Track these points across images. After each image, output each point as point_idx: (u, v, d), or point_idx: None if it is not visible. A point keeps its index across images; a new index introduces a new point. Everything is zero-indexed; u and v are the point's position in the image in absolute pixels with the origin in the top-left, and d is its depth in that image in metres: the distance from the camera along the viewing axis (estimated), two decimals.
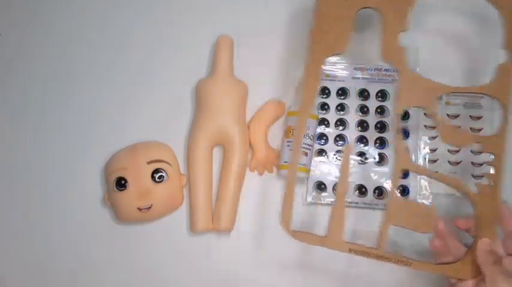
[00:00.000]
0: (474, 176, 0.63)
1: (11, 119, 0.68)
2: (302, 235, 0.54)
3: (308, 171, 0.63)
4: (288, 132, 0.63)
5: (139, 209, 0.59)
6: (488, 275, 0.50)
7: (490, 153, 0.54)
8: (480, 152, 0.64)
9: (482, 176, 0.63)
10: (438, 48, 0.68)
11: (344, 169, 0.55)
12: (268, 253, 0.64)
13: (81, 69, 0.69)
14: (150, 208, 0.60)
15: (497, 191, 0.53)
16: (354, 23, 0.55)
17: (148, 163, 0.60)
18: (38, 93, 0.69)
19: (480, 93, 0.56)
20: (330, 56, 0.55)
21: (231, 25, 0.69)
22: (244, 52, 0.67)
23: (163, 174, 0.60)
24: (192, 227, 0.62)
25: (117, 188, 0.60)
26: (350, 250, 0.53)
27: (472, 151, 0.64)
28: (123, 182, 0.59)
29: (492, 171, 0.54)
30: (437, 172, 0.63)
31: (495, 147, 0.54)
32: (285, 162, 0.62)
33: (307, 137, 0.62)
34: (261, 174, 0.65)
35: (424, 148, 0.65)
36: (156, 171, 0.60)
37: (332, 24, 0.55)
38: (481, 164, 0.64)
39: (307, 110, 0.56)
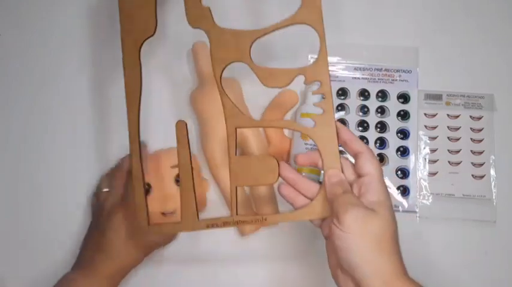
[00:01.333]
0: (474, 176, 0.64)
1: (14, 120, 0.67)
2: (158, 226, 0.51)
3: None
4: (305, 134, 0.62)
5: (163, 214, 0.59)
6: (335, 208, 0.45)
7: (316, 81, 0.50)
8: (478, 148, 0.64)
9: (484, 175, 0.64)
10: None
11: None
12: (275, 246, 0.63)
13: (85, 74, 0.69)
14: (173, 212, 0.59)
15: (331, 116, 0.49)
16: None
17: (172, 167, 0.59)
18: (39, 95, 0.68)
19: (295, 23, 0.50)
20: (143, 41, 0.51)
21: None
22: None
23: None
24: (242, 232, 0.61)
25: None
26: (208, 226, 0.50)
27: (472, 151, 0.64)
28: (146, 187, 0.59)
29: (323, 99, 0.50)
30: (437, 172, 0.64)
31: (319, 74, 0.50)
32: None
33: None
34: None
35: (424, 148, 0.65)
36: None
37: (136, 7, 0.51)
38: (481, 164, 0.64)
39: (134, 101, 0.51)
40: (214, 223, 0.50)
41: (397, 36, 0.68)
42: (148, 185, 0.58)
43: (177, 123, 0.51)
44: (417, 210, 0.63)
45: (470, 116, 0.66)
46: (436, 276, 0.62)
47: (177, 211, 0.58)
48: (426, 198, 0.63)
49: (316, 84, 0.50)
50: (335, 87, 0.67)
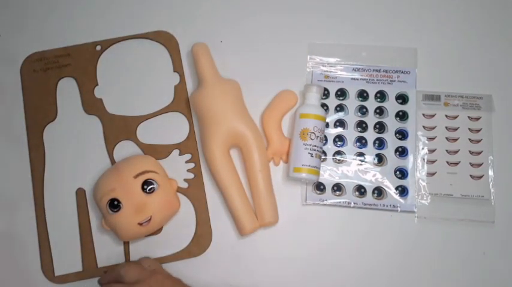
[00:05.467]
0: (472, 177, 0.64)
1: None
2: (64, 277, 0.63)
3: (318, 173, 0.63)
4: (304, 134, 0.63)
5: (140, 224, 0.59)
6: None
7: (188, 153, 0.64)
8: (478, 153, 0.64)
9: (482, 176, 0.64)
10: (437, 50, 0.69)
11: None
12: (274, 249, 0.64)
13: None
14: (150, 220, 0.59)
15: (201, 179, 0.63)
16: (55, 92, 0.66)
17: (135, 176, 0.59)
18: None
19: (167, 112, 0.65)
20: (45, 126, 0.65)
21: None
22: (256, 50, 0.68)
23: (153, 183, 0.60)
24: (242, 231, 0.62)
25: (111, 210, 0.59)
26: (105, 271, 0.62)
27: (470, 152, 0.64)
28: (116, 202, 0.58)
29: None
30: (435, 173, 0.64)
31: (191, 149, 0.65)
32: (303, 165, 0.62)
33: (318, 139, 0.62)
34: (277, 164, 0.65)
35: (422, 148, 0.65)
36: (146, 183, 0.60)
37: (39, 98, 0.66)
38: (479, 165, 0.64)
39: None
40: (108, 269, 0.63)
41: (396, 37, 0.68)
42: (118, 201, 0.58)
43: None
44: (415, 210, 0.63)
45: (469, 117, 0.66)
46: (434, 276, 0.62)
47: (153, 217, 0.59)
48: (424, 198, 0.64)
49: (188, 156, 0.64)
50: (334, 88, 0.67)
